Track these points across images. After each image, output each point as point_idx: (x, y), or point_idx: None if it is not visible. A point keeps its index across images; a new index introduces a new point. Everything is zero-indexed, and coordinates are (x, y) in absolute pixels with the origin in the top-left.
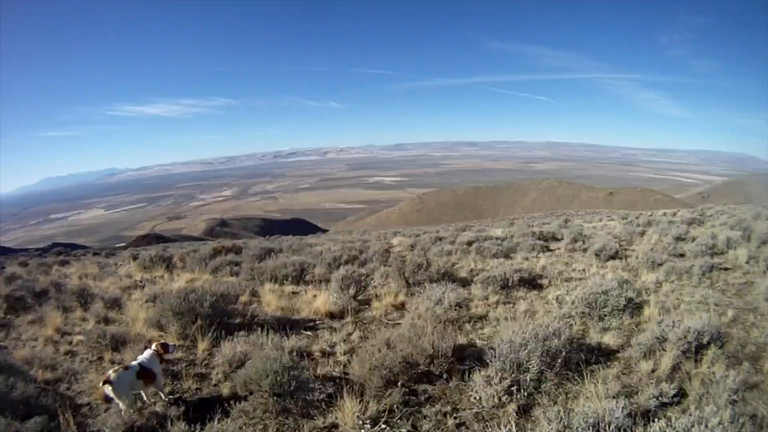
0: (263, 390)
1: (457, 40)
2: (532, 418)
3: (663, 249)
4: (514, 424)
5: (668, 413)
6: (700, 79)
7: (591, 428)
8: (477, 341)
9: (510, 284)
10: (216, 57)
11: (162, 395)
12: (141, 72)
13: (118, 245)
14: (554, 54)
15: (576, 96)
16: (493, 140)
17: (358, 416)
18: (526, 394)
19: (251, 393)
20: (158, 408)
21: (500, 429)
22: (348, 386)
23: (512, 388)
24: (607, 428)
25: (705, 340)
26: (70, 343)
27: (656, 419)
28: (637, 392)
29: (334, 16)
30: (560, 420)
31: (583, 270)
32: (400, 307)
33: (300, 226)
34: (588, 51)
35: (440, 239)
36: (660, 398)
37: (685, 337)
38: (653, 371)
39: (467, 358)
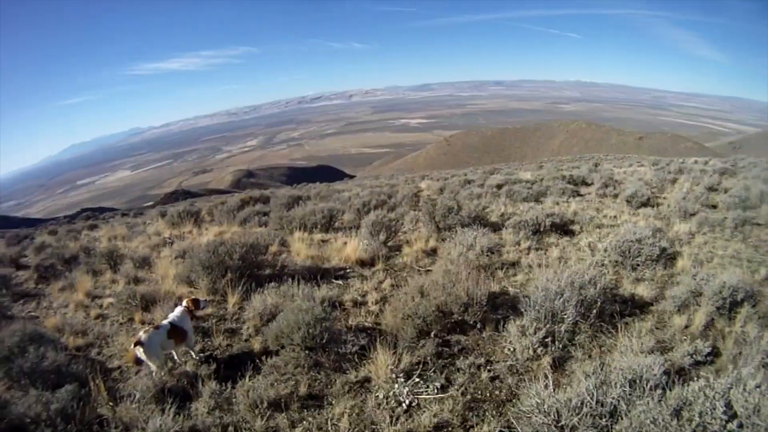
0: (295, 344)
1: None
2: (567, 372)
3: (695, 198)
4: (551, 380)
5: (702, 372)
6: (738, 21)
7: (629, 385)
8: (510, 289)
9: (542, 229)
10: (233, 3)
11: (193, 354)
12: (157, 27)
13: (146, 204)
14: None
15: (608, 33)
16: (521, 79)
17: (391, 369)
18: (560, 346)
19: (283, 347)
20: (189, 367)
21: (535, 383)
22: (381, 337)
23: (546, 340)
24: (645, 385)
25: (739, 298)
26: (101, 306)
27: (693, 379)
28: (671, 348)
29: None
30: (597, 375)
31: (615, 217)
32: (432, 252)
33: (326, 173)
34: None
35: (469, 182)
36: (694, 356)
37: (720, 293)
38: (687, 327)
39: (500, 307)
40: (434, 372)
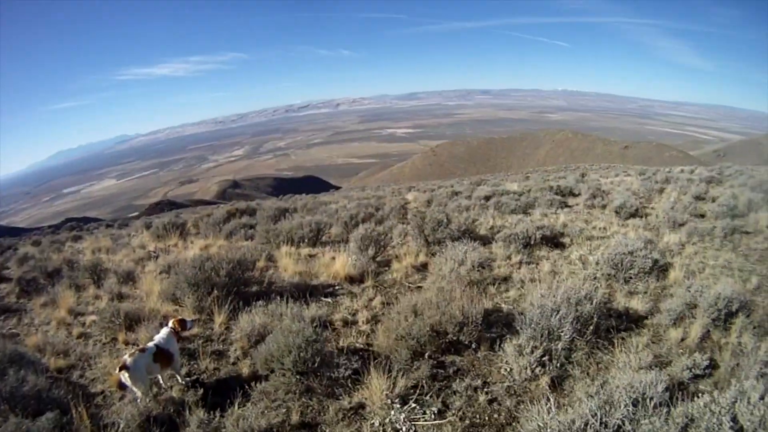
0: (285, 368)
1: None
2: (566, 392)
3: (683, 208)
4: (552, 401)
5: (701, 386)
6: (722, 28)
7: (632, 404)
8: (503, 305)
9: (532, 243)
10: (223, 8)
11: (179, 378)
12: (146, 31)
13: (131, 215)
14: None
15: (595, 42)
16: (508, 88)
17: (386, 394)
18: (558, 364)
19: (272, 371)
20: (175, 393)
21: (536, 405)
22: (374, 360)
23: (544, 359)
24: (648, 403)
25: (734, 308)
26: (83, 324)
27: (694, 393)
28: (669, 363)
29: None
30: (599, 395)
31: (604, 228)
32: (422, 267)
33: (312, 184)
34: None
35: (456, 194)
36: (693, 370)
37: (715, 305)
38: (683, 340)
39: (494, 325)
40: (430, 396)
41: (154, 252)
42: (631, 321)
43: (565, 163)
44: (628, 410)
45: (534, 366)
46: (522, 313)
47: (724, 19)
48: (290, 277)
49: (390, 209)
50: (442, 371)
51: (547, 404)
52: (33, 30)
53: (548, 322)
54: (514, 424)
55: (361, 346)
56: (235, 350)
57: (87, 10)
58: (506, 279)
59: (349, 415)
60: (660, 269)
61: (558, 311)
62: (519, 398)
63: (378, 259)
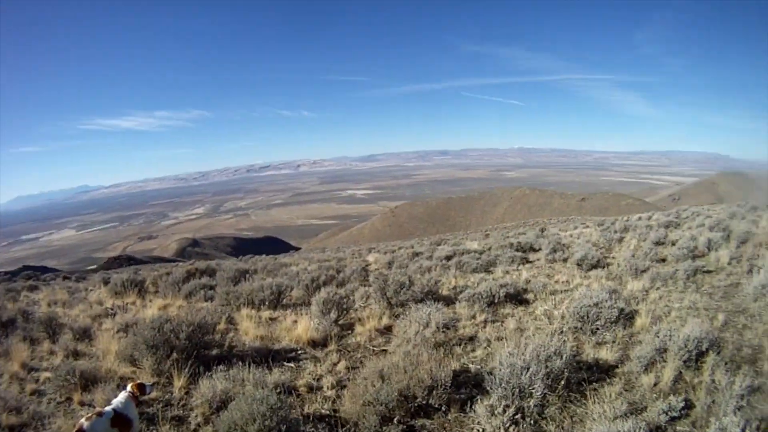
0: None
1: (432, 43)
2: None
3: (644, 255)
4: None
5: (679, 427)
6: (672, 77)
7: None
8: (470, 365)
9: (496, 301)
10: (190, 65)
11: None
12: (113, 81)
13: (89, 267)
14: (529, 55)
15: (550, 99)
16: (466, 148)
17: None
18: (531, 421)
19: None
20: None
21: None
22: (342, 426)
23: (516, 417)
24: None
25: (704, 347)
26: (37, 380)
27: None
28: (644, 408)
29: (307, 21)
30: None
31: (567, 281)
32: (386, 330)
33: (272, 245)
34: (563, 52)
35: (417, 255)
36: (669, 413)
37: (685, 346)
38: (656, 384)
39: (463, 386)
40: None
41: (112, 309)
42: (602, 371)
43: (523, 219)
44: None
45: (507, 425)
46: (491, 373)
47: (673, 68)
48: (251, 340)
49: (351, 271)
50: None
51: None
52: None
53: (519, 380)
54: None
55: (327, 412)
56: (196, 416)
57: (55, 55)
58: (472, 339)
59: None
60: (626, 317)
61: (528, 369)
62: None
63: (341, 322)
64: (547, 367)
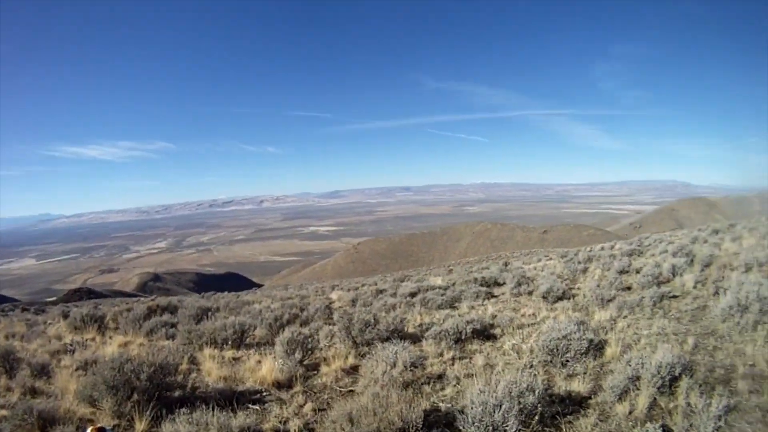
0: None
1: (395, 80)
2: None
3: (609, 284)
4: None
5: None
6: (629, 109)
7: None
8: (440, 404)
9: (463, 337)
10: (155, 96)
11: None
12: (79, 109)
13: (49, 299)
14: (490, 92)
15: (511, 134)
16: (428, 184)
17: None
18: None
19: None
20: None
21: None
22: None
23: None
24: None
25: (677, 372)
26: None
27: None
28: None
29: (271, 55)
30: None
31: (534, 314)
32: (352, 370)
33: (234, 281)
34: (523, 88)
35: (381, 292)
36: None
37: (658, 373)
38: (631, 412)
39: (434, 425)
40: None
41: (71, 345)
42: (576, 403)
43: (486, 253)
44: None
45: None
46: (463, 411)
47: (632, 100)
48: (215, 381)
49: (315, 309)
50: None
51: None
52: None
53: (492, 419)
54: None
55: None
56: None
57: (17, 79)
58: (441, 377)
59: None
60: (596, 348)
61: (501, 406)
62: None
63: (306, 362)
64: (519, 403)
